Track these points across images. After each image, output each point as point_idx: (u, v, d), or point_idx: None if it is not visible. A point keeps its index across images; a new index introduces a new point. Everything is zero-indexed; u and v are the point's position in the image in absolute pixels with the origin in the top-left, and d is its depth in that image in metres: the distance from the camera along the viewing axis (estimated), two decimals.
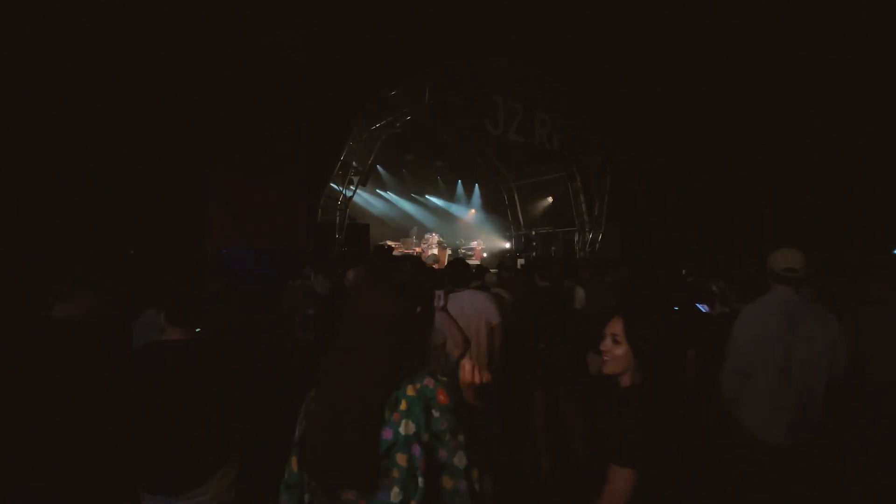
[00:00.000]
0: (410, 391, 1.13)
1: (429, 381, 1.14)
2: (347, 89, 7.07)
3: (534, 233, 13.43)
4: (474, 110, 8.96)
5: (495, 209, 14.73)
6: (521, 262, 11.64)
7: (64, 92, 4.58)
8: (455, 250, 13.81)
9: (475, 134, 9.72)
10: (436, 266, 11.50)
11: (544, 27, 8.44)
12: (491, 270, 5.90)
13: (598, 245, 11.23)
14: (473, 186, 14.97)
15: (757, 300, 2.40)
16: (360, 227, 8.99)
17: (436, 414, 1.10)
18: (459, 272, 3.35)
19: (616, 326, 1.52)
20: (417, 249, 13.15)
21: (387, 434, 1.09)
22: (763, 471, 2.25)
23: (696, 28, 8.25)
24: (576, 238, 11.82)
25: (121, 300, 2.11)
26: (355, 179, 8.87)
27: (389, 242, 12.78)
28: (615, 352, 1.50)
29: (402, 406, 1.12)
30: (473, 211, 15.49)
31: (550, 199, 12.96)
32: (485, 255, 13.97)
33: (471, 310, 3.16)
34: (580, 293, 3.97)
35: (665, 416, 1.44)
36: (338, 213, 8.54)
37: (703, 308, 3.12)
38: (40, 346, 1.58)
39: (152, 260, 4.84)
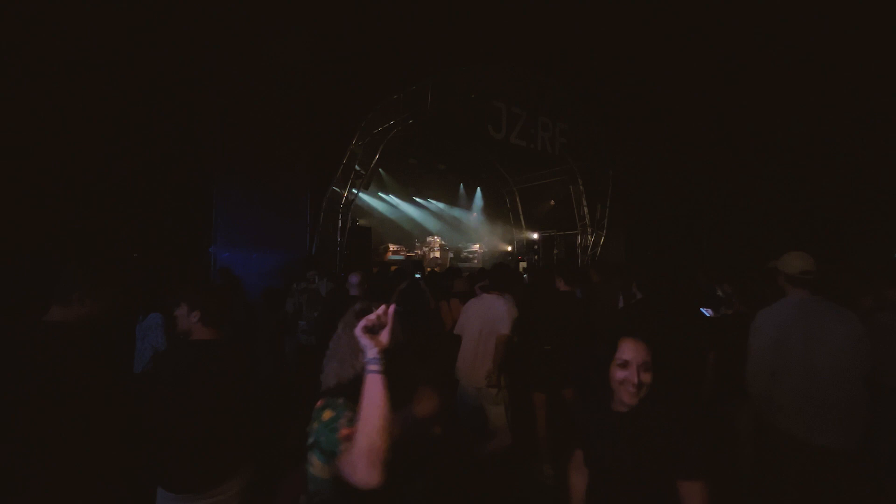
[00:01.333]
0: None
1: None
2: (350, 93, 7.09)
3: (536, 236, 13.42)
4: (476, 115, 8.98)
5: (497, 212, 14.74)
6: (522, 265, 11.63)
7: (69, 96, 4.61)
8: (457, 253, 13.82)
9: (477, 138, 9.73)
10: (437, 269, 11.52)
11: (545, 31, 8.46)
12: None
13: (600, 248, 11.21)
14: (475, 190, 14.99)
15: (774, 303, 2.43)
16: (362, 230, 8.99)
17: (315, 426, 1.20)
18: (502, 278, 3.35)
19: (644, 354, 1.43)
20: (419, 252, 13.18)
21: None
22: (795, 468, 2.28)
23: (700, 32, 8.25)
24: (578, 241, 11.80)
25: (123, 304, 2.11)
26: (358, 183, 8.87)
27: (391, 245, 12.81)
28: (648, 380, 1.41)
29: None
30: (475, 214, 15.51)
31: (552, 203, 12.96)
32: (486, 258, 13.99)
33: (485, 315, 3.15)
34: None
35: (699, 422, 1.42)
36: (340, 217, 8.55)
37: (706, 312, 3.11)
38: (36, 350, 1.59)
39: (156, 264, 4.84)
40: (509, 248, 14.53)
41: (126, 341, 2.79)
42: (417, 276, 4.71)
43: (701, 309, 3.11)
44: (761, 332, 2.40)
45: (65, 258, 3.89)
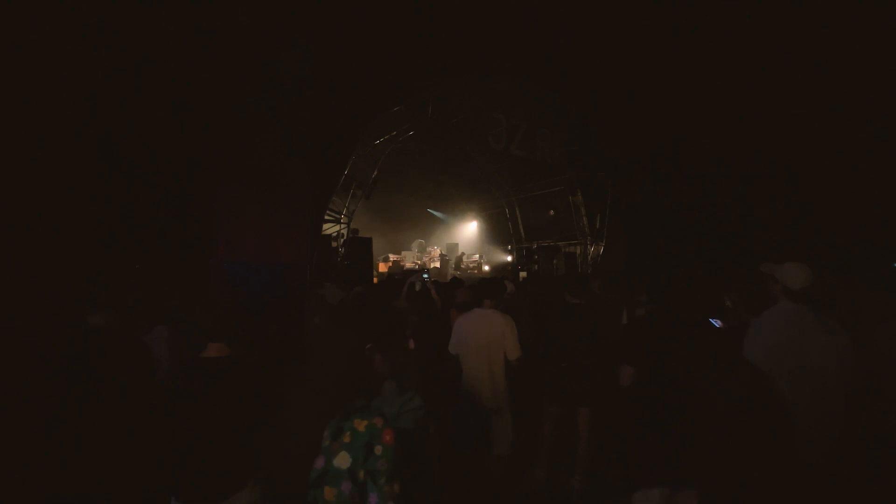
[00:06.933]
0: (358, 425, 1.13)
1: (378, 420, 1.15)
2: (352, 104, 7.12)
3: (535, 246, 13.42)
4: (476, 126, 9.04)
5: (497, 222, 14.75)
6: (522, 274, 11.60)
7: (75, 103, 4.61)
8: (457, 263, 13.82)
9: (477, 148, 9.79)
10: (438, 279, 11.48)
11: (543, 39, 8.51)
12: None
13: (600, 258, 11.21)
14: (475, 199, 15.02)
15: (768, 311, 2.36)
16: (362, 240, 8.99)
17: (378, 451, 1.09)
18: (485, 290, 3.33)
19: None
20: (419, 262, 13.17)
21: (318, 462, 1.08)
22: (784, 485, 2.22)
23: (699, 40, 8.33)
24: (578, 251, 11.80)
25: (133, 314, 2.16)
26: (359, 193, 8.91)
27: (392, 256, 12.79)
28: None
29: (346, 438, 1.11)
30: (475, 224, 15.54)
31: (552, 212, 12.99)
32: (486, 268, 13.97)
33: (485, 330, 3.11)
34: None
35: None
36: (341, 227, 8.56)
37: (716, 323, 3.09)
38: (81, 356, 1.77)
39: (157, 275, 4.81)
40: (509, 259, 14.52)
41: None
42: (425, 275, 4.73)
43: (710, 320, 3.09)
44: (751, 340, 2.31)
45: (66, 265, 3.86)
